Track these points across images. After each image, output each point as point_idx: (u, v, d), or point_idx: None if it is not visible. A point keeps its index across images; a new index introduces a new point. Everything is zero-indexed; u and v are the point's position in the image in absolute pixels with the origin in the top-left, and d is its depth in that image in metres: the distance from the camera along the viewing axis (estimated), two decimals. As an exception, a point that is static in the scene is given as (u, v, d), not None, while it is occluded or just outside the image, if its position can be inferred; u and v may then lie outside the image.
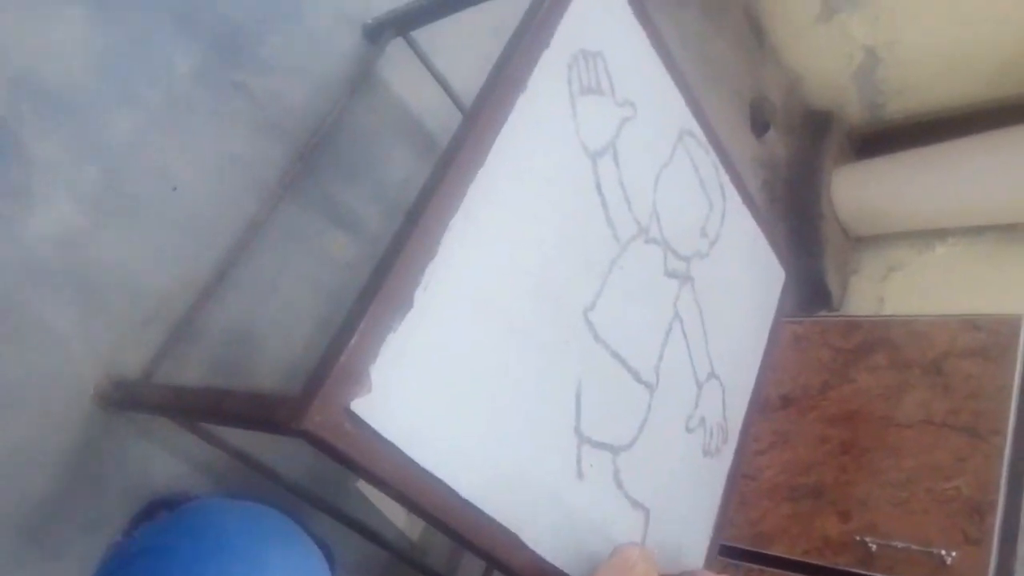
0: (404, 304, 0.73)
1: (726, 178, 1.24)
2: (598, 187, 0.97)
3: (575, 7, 0.94)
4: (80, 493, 1.05)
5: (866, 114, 2.80)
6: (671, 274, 1.10)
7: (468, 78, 1.46)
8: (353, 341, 0.68)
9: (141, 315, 1.12)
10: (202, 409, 0.90)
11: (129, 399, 1.04)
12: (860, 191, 2.63)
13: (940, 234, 2.58)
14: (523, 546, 0.84)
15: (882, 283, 2.67)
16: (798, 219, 2.63)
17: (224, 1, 1.23)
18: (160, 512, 1.09)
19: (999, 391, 1.52)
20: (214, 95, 1.21)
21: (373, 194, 1.42)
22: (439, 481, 0.75)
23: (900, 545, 1.38)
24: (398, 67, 1.45)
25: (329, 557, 1.31)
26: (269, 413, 0.70)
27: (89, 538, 1.05)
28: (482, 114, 0.83)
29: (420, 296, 0.74)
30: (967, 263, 2.51)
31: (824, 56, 2.69)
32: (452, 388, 0.77)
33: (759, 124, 2.60)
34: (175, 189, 1.16)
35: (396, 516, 1.43)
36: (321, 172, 1.34)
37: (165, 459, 1.13)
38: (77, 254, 1.06)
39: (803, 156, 2.73)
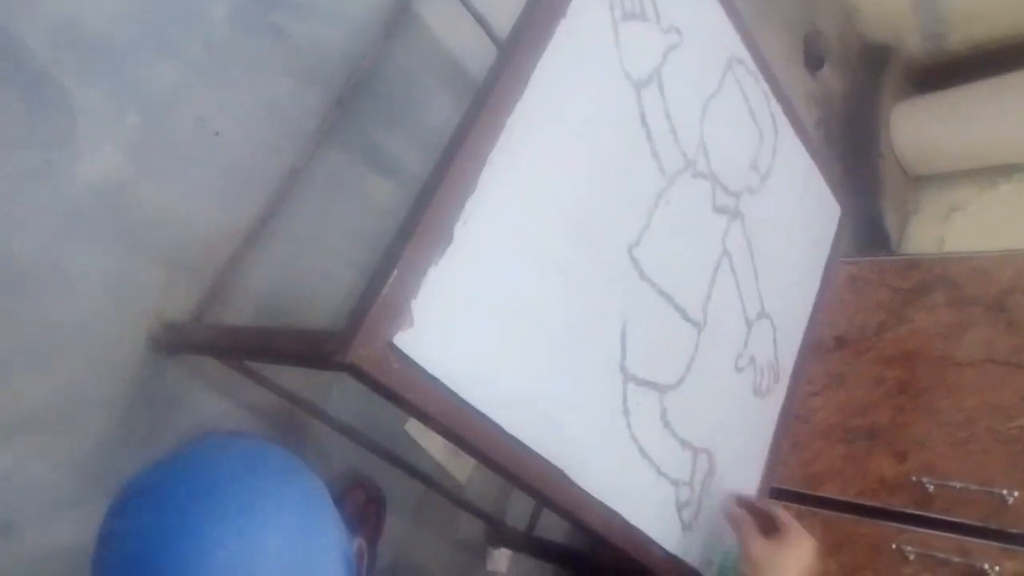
0: (444, 238, 0.72)
1: (778, 108, 1.18)
2: (643, 118, 0.94)
3: (616, -72, 0.89)
4: (136, 433, 1.08)
5: (927, 45, 2.65)
6: (720, 209, 1.07)
7: (507, 18, 1.42)
8: (394, 275, 0.67)
9: (188, 262, 1.13)
10: (250, 347, 0.91)
11: (180, 341, 1.06)
12: (920, 128, 2.51)
13: (1005, 171, 2.45)
14: (569, 481, 0.84)
15: (943, 223, 2.56)
16: (855, 158, 2.53)
17: (258, -57, 1.21)
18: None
19: (1068, 328, 1.45)
20: (251, 40, 1.20)
21: (413, 138, 1.40)
22: (482, 415, 0.74)
23: (959, 485, 1.34)
24: (436, 8, 1.42)
25: (381, 500, 1.34)
26: (314, 348, 0.70)
27: (148, 477, 1.08)
28: (520, 43, 0.80)
29: (460, 230, 0.73)
30: (1033, 201, 2.39)
31: (882, -16, 2.55)
32: (493, 323, 0.76)
33: (813, 59, 2.49)
34: (217, 135, 1.16)
35: (445, 459, 1.45)
36: (360, 116, 1.33)
37: (217, 400, 1.16)
38: (123, 201, 1.07)
39: (860, 92, 2.61)
